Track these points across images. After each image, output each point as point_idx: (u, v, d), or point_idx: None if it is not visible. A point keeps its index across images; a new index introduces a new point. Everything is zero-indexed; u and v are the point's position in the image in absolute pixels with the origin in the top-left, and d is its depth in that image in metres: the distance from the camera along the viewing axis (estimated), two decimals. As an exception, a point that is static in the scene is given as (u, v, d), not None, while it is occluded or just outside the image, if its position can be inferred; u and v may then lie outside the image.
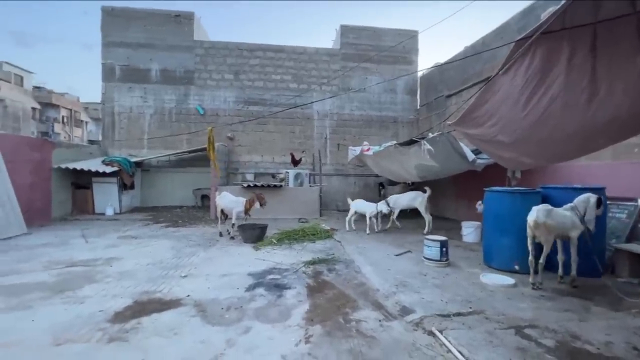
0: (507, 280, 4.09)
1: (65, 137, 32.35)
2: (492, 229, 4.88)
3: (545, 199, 4.57)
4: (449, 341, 2.68)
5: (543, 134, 3.05)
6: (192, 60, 11.68)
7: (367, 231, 7.16)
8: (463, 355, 2.48)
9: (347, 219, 7.59)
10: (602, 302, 3.52)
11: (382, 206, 7.14)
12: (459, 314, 3.20)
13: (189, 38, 11.63)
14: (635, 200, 4.57)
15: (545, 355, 2.51)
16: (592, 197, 3.93)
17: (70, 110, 34.81)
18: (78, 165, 8.91)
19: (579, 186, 4.71)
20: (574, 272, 3.93)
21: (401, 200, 7.56)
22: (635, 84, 2.42)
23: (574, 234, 3.90)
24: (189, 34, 11.65)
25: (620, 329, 2.92)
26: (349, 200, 7.72)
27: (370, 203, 7.39)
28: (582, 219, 3.89)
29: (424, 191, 7.29)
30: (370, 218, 7.17)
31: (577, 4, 2.15)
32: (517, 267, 4.47)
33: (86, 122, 38.23)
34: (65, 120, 33.94)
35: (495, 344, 2.66)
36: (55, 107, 32.45)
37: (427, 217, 7.24)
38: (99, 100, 11.75)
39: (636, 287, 3.88)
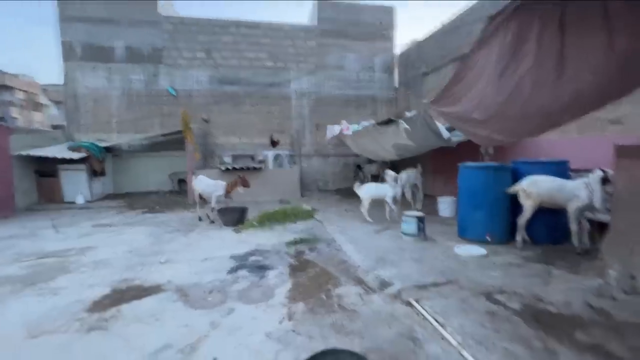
0: (480, 250, 4.32)
1: (25, 122, 30.04)
2: (466, 203, 5.09)
3: (515, 173, 4.79)
4: (425, 310, 2.83)
5: (514, 110, 3.13)
6: (159, 37, 10.96)
7: (388, 217, 6.34)
8: (438, 322, 2.63)
9: (364, 210, 6.40)
10: (563, 266, 3.82)
11: (397, 187, 6.30)
12: (434, 285, 3.37)
13: (154, 12, 10.85)
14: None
15: (512, 317, 2.71)
16: (597, 173, 4.01)
17: (27, 92, 32.13)
18: (41, 152, 8.35)
19: (545, 160, 4.97)
20: (585, 241, 4.27)
21: (407, 178, 7.22)
22: (599, 61, 2.51)
23: (571, 205, 4.16)
24: (153, 7, 10.85)
25: (578, 290, 3.18)
26: (356, 187, 6.59)
27: (383, 185, 6.48)
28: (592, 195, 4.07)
29: (415, 167, 7.49)
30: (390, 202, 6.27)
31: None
32: (489, 239, 4.73)
33: (46, 105, 35.52)
34: (23, 104, 31.36)
35: (467, 310, 2.84)
36: (9, 89, 29.82)
37: (421, 195, 7.55)
38: (59, 81, 10.89)
39: (595, 252, 4.22)
